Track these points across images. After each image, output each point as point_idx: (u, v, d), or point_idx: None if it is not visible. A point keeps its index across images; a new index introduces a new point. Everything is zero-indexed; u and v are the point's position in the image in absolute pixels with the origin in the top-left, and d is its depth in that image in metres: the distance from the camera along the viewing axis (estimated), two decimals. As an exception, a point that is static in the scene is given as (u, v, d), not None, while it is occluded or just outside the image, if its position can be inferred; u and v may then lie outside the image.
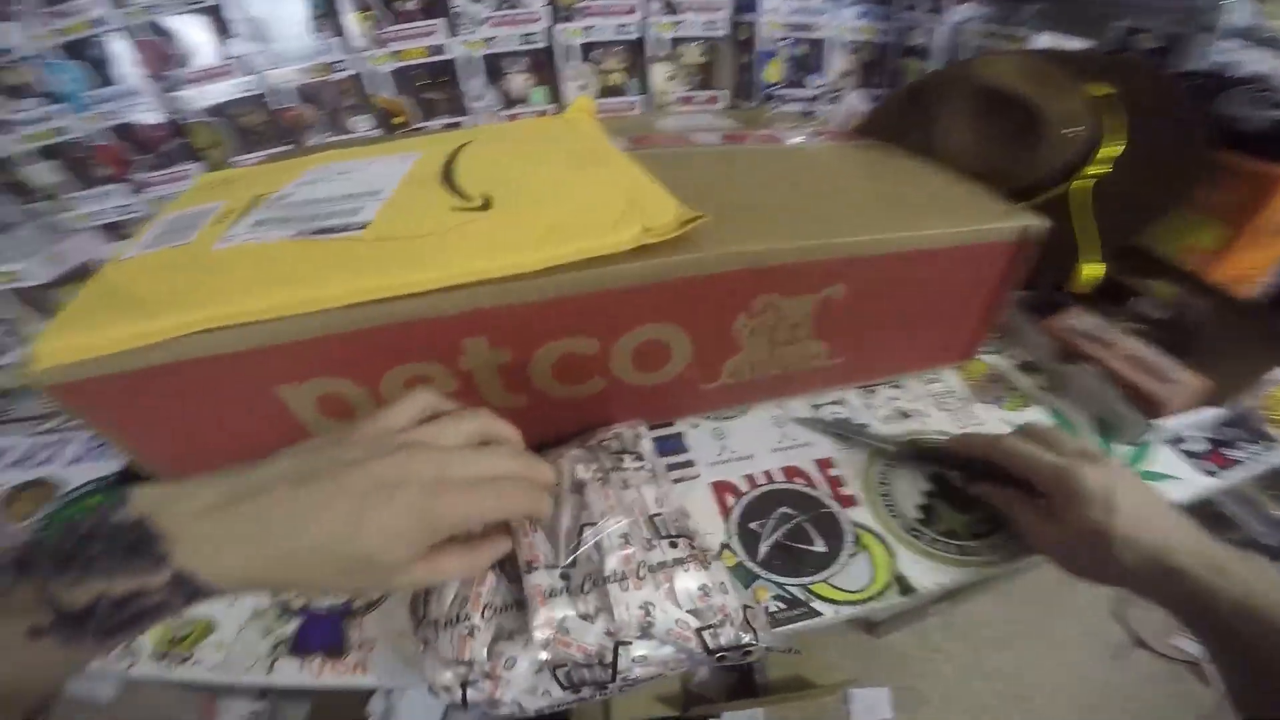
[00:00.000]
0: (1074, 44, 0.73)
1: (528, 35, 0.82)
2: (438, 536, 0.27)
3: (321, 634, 0.39)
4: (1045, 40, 0.74)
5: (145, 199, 0.91)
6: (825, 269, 0.41)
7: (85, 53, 0.82)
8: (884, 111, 0.67)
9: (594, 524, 0.34)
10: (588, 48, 0.84)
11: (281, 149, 0.85)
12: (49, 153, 0.86)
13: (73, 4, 0.79)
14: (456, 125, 0.85)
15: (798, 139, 0.60)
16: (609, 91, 0.87)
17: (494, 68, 0.83)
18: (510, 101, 0.86)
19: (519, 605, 0.32)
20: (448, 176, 0.45)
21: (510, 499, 0.29)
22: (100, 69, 0.83)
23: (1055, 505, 0.36)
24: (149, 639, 0.40)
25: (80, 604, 0.21)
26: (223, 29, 0.79)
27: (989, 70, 0.55)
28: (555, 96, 0.86)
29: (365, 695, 0.88)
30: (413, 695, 0.86)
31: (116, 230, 0.91)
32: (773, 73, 0.87)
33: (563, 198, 0.41)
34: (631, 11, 0.82)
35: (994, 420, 0.49)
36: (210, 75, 0.81)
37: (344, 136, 0.84)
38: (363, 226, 0.37)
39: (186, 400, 0.37)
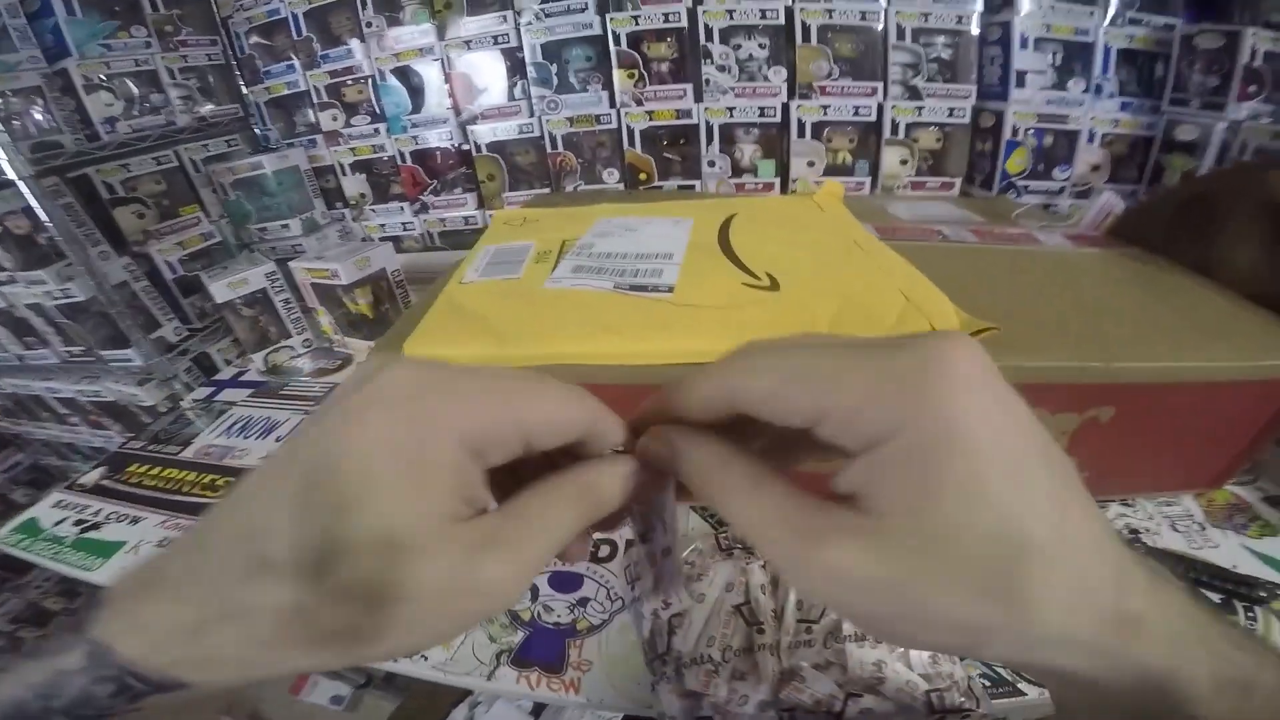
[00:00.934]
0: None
1: (765, 109, 0.87)
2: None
3: (544, 648, 0.43)
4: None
5: (423, 219, 1.06)
6: (1100, 391, 0.40)
7: (409, 79, 0.96)
8: (1147, 216, 0.63)
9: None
10: (819, 126, 0.88)
11: (542, 190, 0.97)
12: (362, 166, 1.04)
13: (406, 29, 0.92)
14: (690, 187, 0.93)
15: (1051, 239, 0.59)
16: (836, 170, 0.90)
17: (727, 136, 0.90)
18: (739, 170, 0.91)
19: (749, 649, 0.36)
20: (726, 248, 0.51)
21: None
22: (416, 96, 0.97)
23: (873, 477, 0.16)
24: None
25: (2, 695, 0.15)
26: (516, 70, 0.91)
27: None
28: (783, 170, 0.91)
29: (451, 702, 0.92)
30: (497, 709, 0.91)
31: (398, 244, 1.07)
32: (1016, 162, 0.86)
33: (842, 286, 0.44)
34: (871, 94, 0.85)
35: (1232, 546, 0.47)
36: (503, 113, 0.94)
37: (597, 187, 0.94)
38: (670, 289, 0.44)
39: None
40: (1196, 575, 0.43)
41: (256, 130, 1.10)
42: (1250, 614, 0.41)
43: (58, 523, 0.60)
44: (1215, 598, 0.43)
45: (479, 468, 0.18)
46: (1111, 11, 0.81)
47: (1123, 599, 0.15)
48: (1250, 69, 0.74)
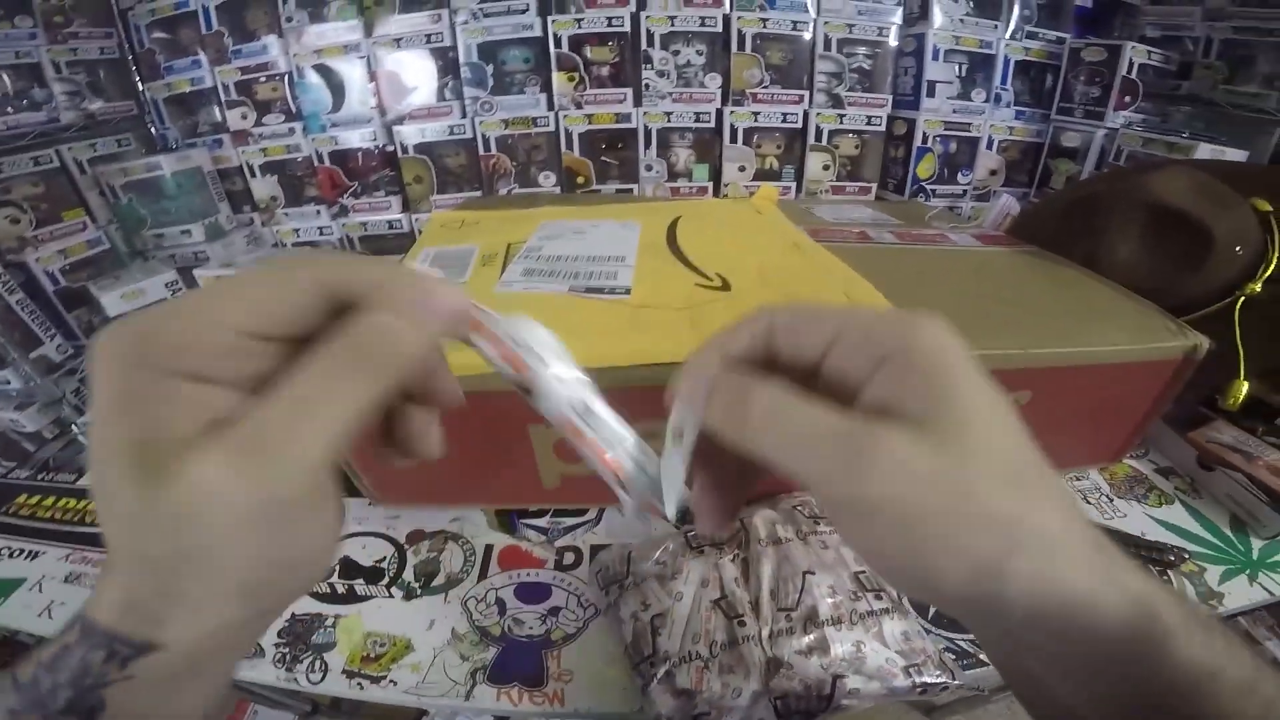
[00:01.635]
0: (1233, 154, 0.75)
1: (700, 114, 0.90)
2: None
3: (520, 662, 0.42)
4: (1204, 150, 0.76)
5: (342, 223, 1.00)
6: (1019, 376, 0.44)
7: (330, 77, 0.91)
8: (1040, 217, 0.70)
9: (813, 573, 0.39)
10: (750, 131, 0.91)
11: (473, 193, 0.94)
12: (273, 167, 0.97)
13: (331, 25, 0.88)
14: (628, 191, 0.93)
15: (962, 239, 0.64)
16: (765, 174, 0.93)
17: (663, 140, 0.91)
18: (674, 174, 0.93)
19: (733, 643, 0.37)
20: (676, 250, 0.52)
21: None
22: (337, 94, 0.92)
23: (898, 386, 0.17)
24: (339, 654, 0.44)
25: (25, 676, 0.16)
26: (448, 69, 0.89)
27: (1160, 186, 0.56)
28: (715, 174, 0.94)
29: None
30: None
31: (313, 249, 1.01)
32: (925, 168, 0.93)
33: (788, 286, 0.47)
34: (799, 101, 0.90)
35: (1137, 514, 0.54)
36: (432, 114, 0.90)
37: (531, 190, 0.92)
38: (627, 291, 0.44)
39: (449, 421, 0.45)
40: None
41: (153, 129, 1.01)
42: (1165, 577, 0.46)
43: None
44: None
45: (205, 383, 0.16)
46: (1012, 25, 0.89)
47: (1093, 528, 0.17)
48: (1127, 80, 0.83)
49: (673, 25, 0.86)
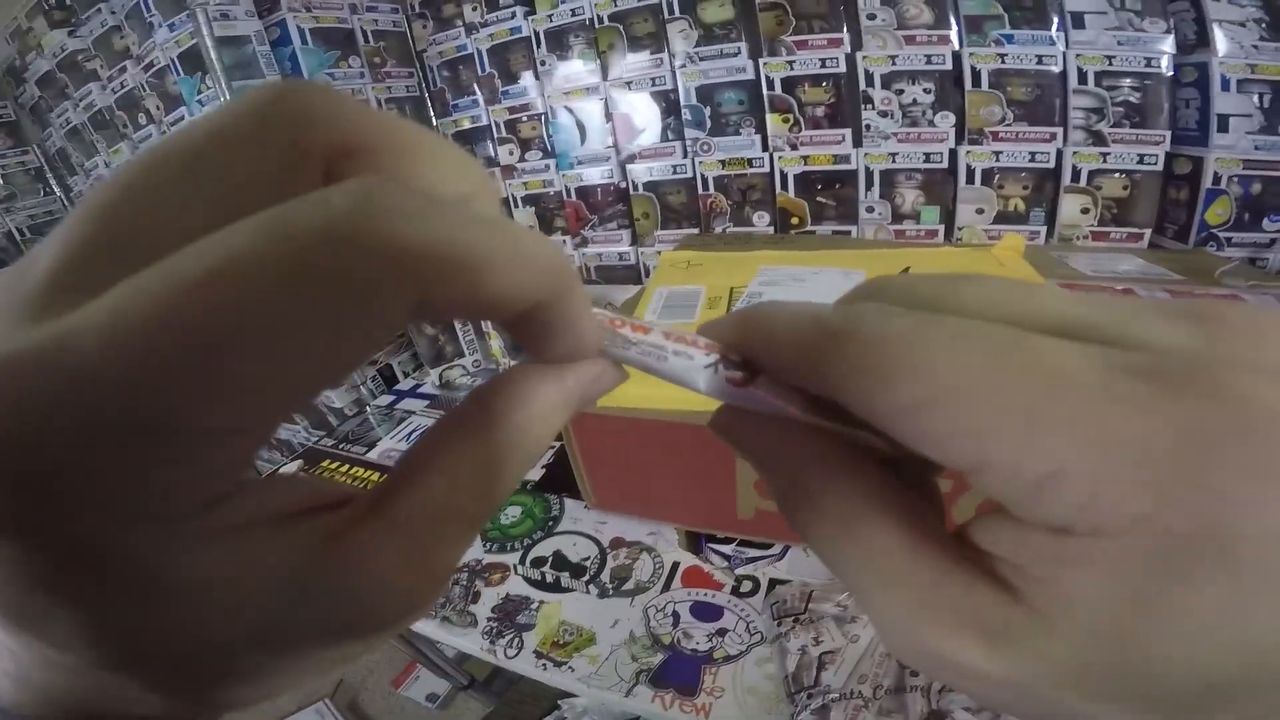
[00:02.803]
0: None
1: (930, 154, 0.85)
2: None
3: (681, 672, 0.45)
4: None
5: (583, 253, 1.10)
6: None
7: (576, 117, 1.01)
8: None
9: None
10: (989, 172, 0.84)
11: (690, 229, 1.00)
12: (532, 200, 1.11)
13: (574, 66, 0.97)
14: (846, 233, 0.92)
15: (1263, 302, 0.53)
16: (1007, 218, 0.85)
17: (887, 180, 0.88)
18: (899, 216, 0.89)
19: (899, 689, 0.37)
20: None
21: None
22: (582, 133, 1.02)
23: (1059, 563, 0.10)
24: (535, 635, 0.50)
25: None
26: (670, 111, 0.95)
27: None
28: (948, 217, 0.88)
29: (539, 715, 0.90)
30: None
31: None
32: (1217, 212, 0.78)
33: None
34: (1050, 140, 0.81)
35: None
36: (658, 153, 0.98)
37: (746, 229, 0.96)
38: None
39: (668, 449, 0.49)
40: None
41: None
42: None
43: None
44: None
45: None
46: None
47: None
48: None
49: (894, 64, 0.83)
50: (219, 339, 0.08)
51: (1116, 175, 0.81)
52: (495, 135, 1.11)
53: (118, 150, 1.14)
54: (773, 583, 0.53)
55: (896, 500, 0.12)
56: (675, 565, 0.57)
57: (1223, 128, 0.75)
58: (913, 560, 0.12)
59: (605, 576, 0.57)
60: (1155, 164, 0.79)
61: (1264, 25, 0.73)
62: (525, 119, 1.07)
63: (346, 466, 0.78)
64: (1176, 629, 0.09)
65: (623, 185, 1.03)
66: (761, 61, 0.88)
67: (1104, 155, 0.80)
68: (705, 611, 0.52)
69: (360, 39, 1.03)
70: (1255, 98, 0.74)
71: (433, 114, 1.18)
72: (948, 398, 0.10)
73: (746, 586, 0.54)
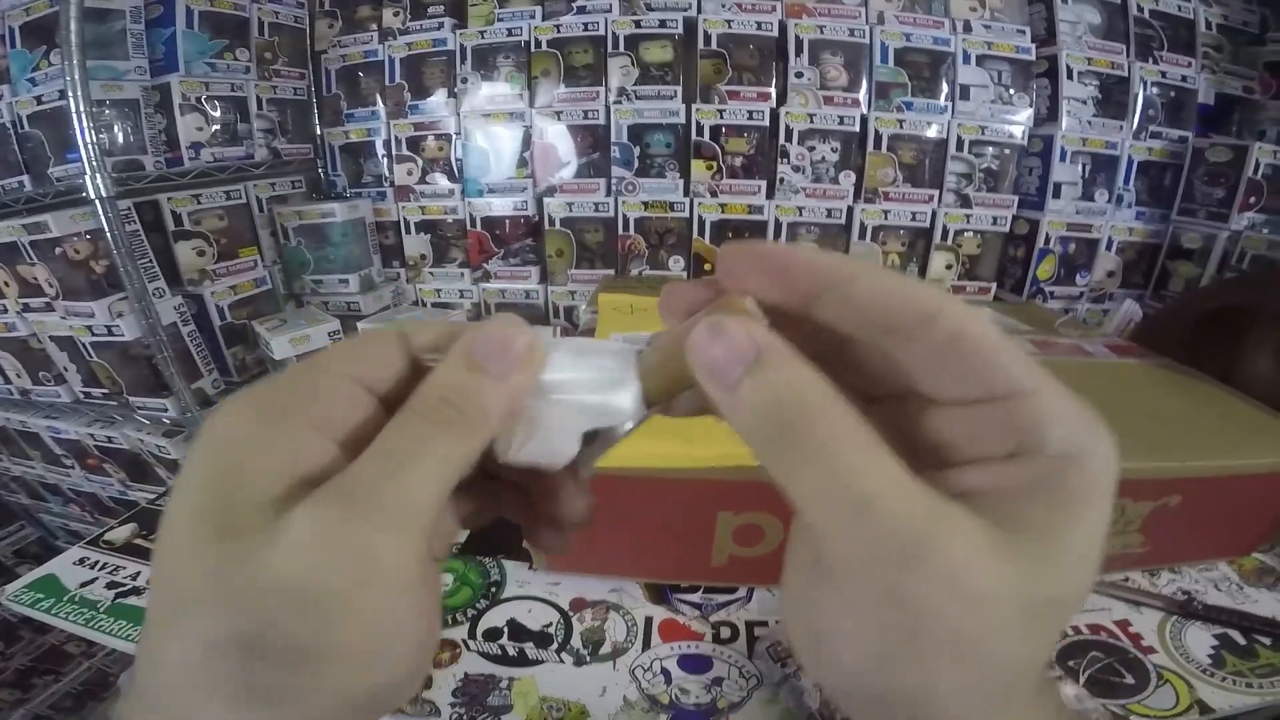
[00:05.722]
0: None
1: (831, 210, 0.94)
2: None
3: None
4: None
5: (483, 288, 1.03)
6: (1172, 484, 0.48)
7: (492, 142, 0.95)
8: (1169, 326, 0.71)
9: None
10: (878, 229, 0.95)
11: (605, 270, 0.99)
12: (428, 226, 1.02)
13: (500, 88, 0.92)
14: None
15: (1097, 350, 0.66)
16: None
17: (791, 233, 0.95)
18: None
19: None
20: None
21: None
22: (497, 160, 0.96)
23: (1030, 489, 0.14)
24: (518, 715, 0.46)
25: None
26: (597, 146, 0.93)
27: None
28: None
29: None
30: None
31: (446, 310, 1.05)
32: (1046, 269, 0.95)
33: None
34: (928, 201, 0.94)
35: (1268, 601, 0.54)
36: (581, 189, 0.95)
37: (662, 273, 0.96)
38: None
39: (640, 504, 0.48)
40: (1250, 625, 0.50)
41: (322, 174, 1.08)
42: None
43: (85, 583, 0.55)
44: (1267, 640, 0.50)
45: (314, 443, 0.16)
46: (1135, 124, 0.92)
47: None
48: (1253, 181, 0.84)
49: (811, 122, 0.91)
50: None
51: (972, 234, 0.96)
52: (393, 151, 1.01)
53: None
54: (749, 625, 0.54)
55: (883, 437, 0.14)
56: (649, 620, 0.55)
57: (1056, 194, 0.92)
58: (913, 478, 0.14)
59: (576, 642, 0.53)
60: (1004, 225, 0.95)
61: (1096, 103, 0.91)
62: (433, 138, 0.99)
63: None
64: (1094, 540, 0.14)
65: (535, 219, 0.99)
66: (695, 107, 0.91)
67: (968, 216, 0.94)
68: (694, 664, 0.51)
69: (254, 30, 0.91)
70: (1080, 167, 0.92)
71: (318, 121, 1.06)
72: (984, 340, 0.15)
73: (725, 633, 0.54)
